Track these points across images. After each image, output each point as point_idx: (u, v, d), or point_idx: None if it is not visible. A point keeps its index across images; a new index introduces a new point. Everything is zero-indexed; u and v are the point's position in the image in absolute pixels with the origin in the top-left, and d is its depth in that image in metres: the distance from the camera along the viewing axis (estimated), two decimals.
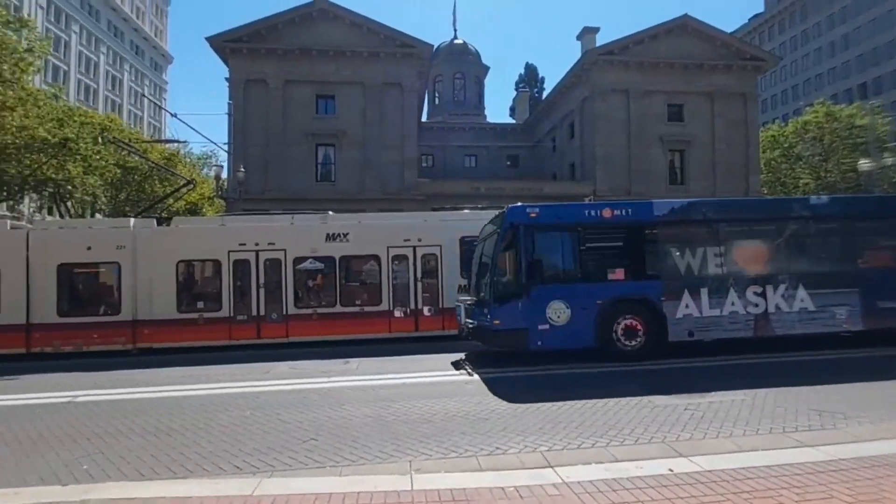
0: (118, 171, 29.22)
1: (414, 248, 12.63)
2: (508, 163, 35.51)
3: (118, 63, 65.84)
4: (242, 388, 7.94)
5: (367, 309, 12.53)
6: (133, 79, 69.20)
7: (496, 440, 4.92)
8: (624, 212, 9.29)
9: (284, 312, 12.31)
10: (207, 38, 28.27)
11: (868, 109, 31.04)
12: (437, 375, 8.36)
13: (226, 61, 28.46)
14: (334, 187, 27.34)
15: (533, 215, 8.96)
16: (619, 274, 8.99)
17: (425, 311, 12.66)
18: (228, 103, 25.55)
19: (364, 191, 26.94)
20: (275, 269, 12.36)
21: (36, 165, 23.25)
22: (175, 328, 11.91)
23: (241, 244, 12.26)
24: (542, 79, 63.57)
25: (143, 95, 65.56)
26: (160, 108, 19.84)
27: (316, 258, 12.46)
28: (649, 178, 29.08)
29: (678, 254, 9.16)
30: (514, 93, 56.06)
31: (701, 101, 30.12)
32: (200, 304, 12.38)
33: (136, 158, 33.20)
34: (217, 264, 12.36)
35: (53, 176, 24.14)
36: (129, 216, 17.42)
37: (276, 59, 27.59)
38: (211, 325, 12.11)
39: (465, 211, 14.35)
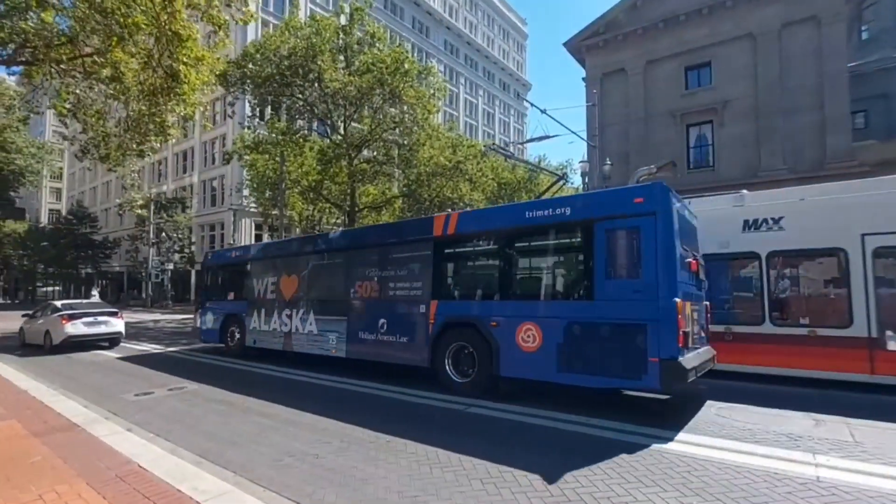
0: (495, 185, 32.79)
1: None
2: None
3: (490, 101, 78.19)
4: None
5: None
6: (501, 112, 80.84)
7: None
8: (239, 252, 13.82)
9: None
10: (564, 44, 28.41)
11: None
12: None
13: (582, 62, 27.83)
14: (714, 174, 22.14)
15: (209, 257, 14.69)
16: (232, 296, 13.15)
17: None
18: (594, 92, 24.47)
19: (758, 172, 20.67)
20: None
21: (439, 188, 28.27)
22: None
23: None
24: None
25: (525, 97, 75.05)
26: (533, 106, 20.55)
27: None
28: None
29: (255, 282, 12.41)
30: None
31: None
32: None
33: (508, 174, 36.96)
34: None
35: (450, 195, 28.81)
36: None
37: (635, 42, 24.89)
38: None
39: None
